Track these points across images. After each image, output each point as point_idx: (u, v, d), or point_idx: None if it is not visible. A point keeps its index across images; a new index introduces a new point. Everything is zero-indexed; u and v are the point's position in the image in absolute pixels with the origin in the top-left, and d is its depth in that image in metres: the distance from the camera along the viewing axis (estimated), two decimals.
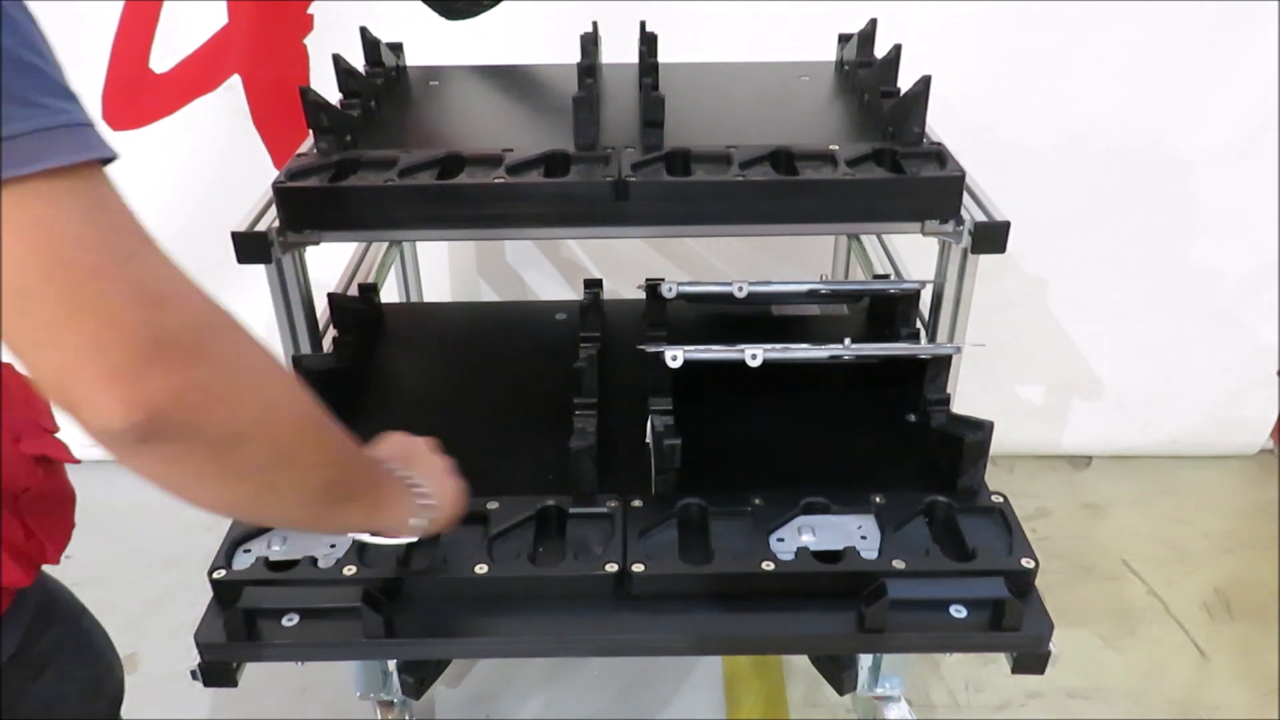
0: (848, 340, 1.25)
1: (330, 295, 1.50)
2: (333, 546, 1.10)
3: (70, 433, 0.67)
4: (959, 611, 1.06)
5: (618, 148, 1.24)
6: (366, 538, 0.88)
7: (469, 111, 1.55)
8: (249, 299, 1.29)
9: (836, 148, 1.23)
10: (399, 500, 0.85)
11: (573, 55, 1.49)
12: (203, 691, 1.06)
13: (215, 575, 1.06)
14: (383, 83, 1.54)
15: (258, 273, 1.22)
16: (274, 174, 1.20)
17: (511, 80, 1.64)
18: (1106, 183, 2.04)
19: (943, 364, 1.29)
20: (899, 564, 1.07)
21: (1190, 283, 2.16)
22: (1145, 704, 1.77)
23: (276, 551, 1.09)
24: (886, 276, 1.59)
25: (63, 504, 0.82)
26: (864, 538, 1.12)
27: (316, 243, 1.25)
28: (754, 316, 1.57)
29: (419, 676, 1.33)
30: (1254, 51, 1.88)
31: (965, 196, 1.22)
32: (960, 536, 1.13)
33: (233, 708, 1.73)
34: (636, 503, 1.17)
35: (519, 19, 1.90)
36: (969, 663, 1.82)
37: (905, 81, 1.33)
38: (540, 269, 2.26)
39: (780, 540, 1.12)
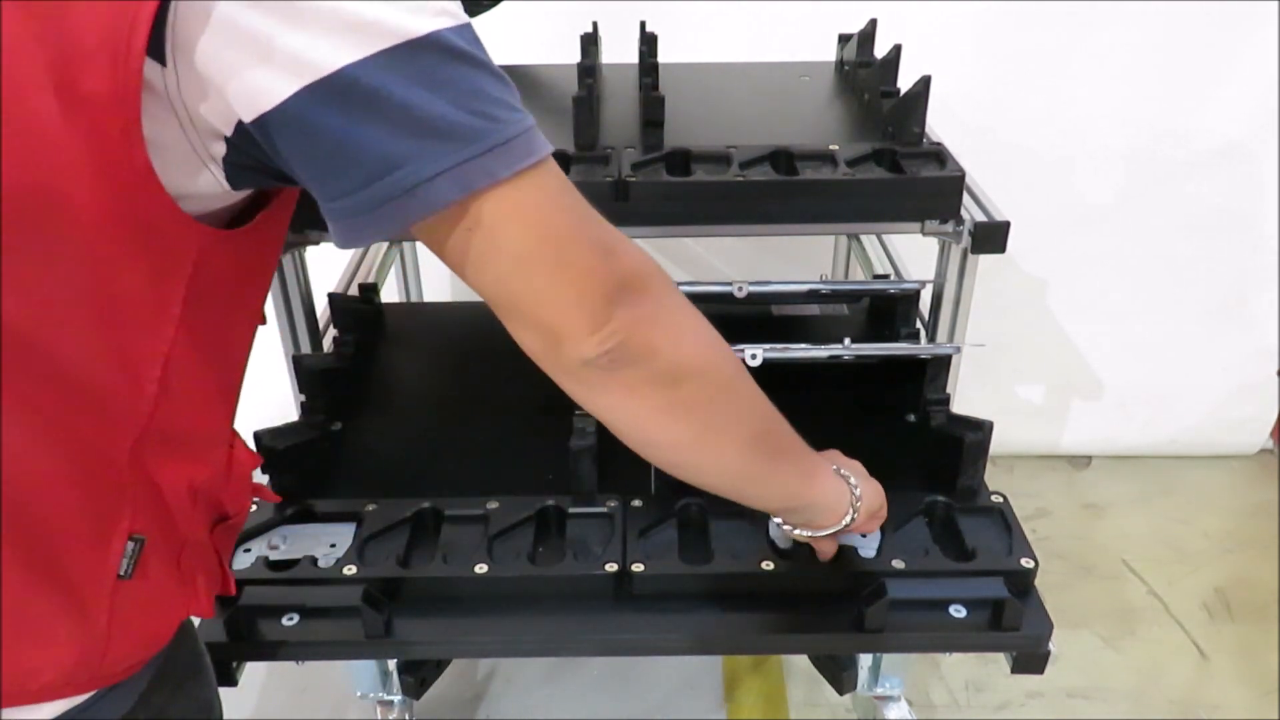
0: (848, 340, 1.25)
1: (330, 295, 1.50)
2: (333, 546, 1.10)
3: None
4: (959, 611, 1.06)
5: (618, 148, 1.24)
6: (796, 532, 0.95)
7: None
8: None
9: (836, 148, 1.23)
10: (832, 483, 0.91)
11: (573, 55, 1.49)
12: None
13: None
14: None
15: None
16: None
17: (511, 80, 1.64)
18: (1106, 183, 2.04)
19: (942, 364, 1.29)
20: (899, 564, 1.07)
21: (1190, 283, 2.16)
22: (1145, 704, 1.77)
23: (276, 551, 1.09)
24: (886, 276, 1.59)
25: (233, 535, 0.85)
26: (863, 535, 1.12)
27: (316, 243, 1.25)
28: (754, 316, 1.57)
29: (419, 676, 1.33)
30: (1254, 51, 1.88)
31: (965, 196, 1.22)
32: (960, 536, 1.13)
33: (233, 708, 1.73)
34: (636, 503, 1.17)
35: (519, 19, 1.90)
36: (969, 663, 1.82)
37: (905, 81, 1.33)
38: None
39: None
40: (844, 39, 1.63)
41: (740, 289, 1.32)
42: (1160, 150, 2.00)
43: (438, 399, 1.45)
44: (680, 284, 1.33)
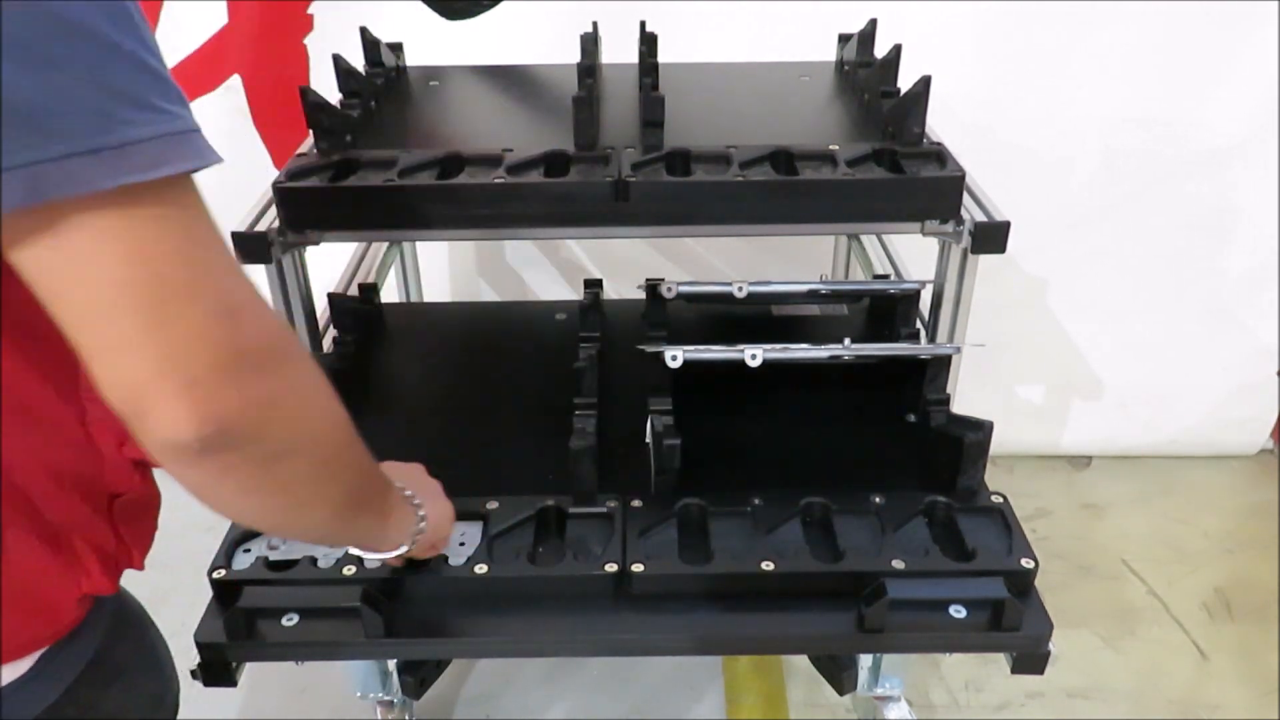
0: (848, 340, 1.25)
1: (330, 295, 1.50)
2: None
3: None
4: (959, 611, 1.06)
5: (618, 148, 1.24)
6: (358, 551, 0.92)
7: (469, 111, 1.55)
8: None
9: (836, 148, 1.23)
10: (402, 514, 0.87)
11: (573, 55, 1.49)
12: (202, 691, 1.05)
13: (215, 575, 1.06)
14: (383, 83, 1.54)
15: (258, 273, 1.22)
16: (274, 174, 1.20)
17: (511, 80, 1.64)
18: (1106, 182, 2.04)
19: (943, 364, 1.29)
20: (899, 564, 1.07)
21: (1190, 283, 2.16)
22: (1145, 704, 1.77)
23: (276, 551, 1.09)
24: (886, 276, 1.59)
25: (149, 508, 0.82)
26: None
27: (316, 243, 1.25)
28: (754, 316, 1.57)
29: (419, 676, 1.33)
30: (1254, 51, 1.88)
31: (965, 196, 1.22)
32: (960, 537, 1.13)
33: (233, 708, 1.74)
34: (636, 503, 1.17)
35: (519, 19, 1.90)
36: (969, 663, 1.82)
37: (905, 81, 1.33)
38: (540, 269, 2.26)
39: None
40: (844, 39, 1.63)
41: (740, 289, 1.32)
42: (1160, 150, 2.00)
43: (438, 399, 1.45)
44: (680, 284, 1.34)
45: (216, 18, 1.92)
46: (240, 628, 1.03)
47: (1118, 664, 1.85)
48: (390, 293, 1.85)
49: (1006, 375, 2.28)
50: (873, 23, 1.56)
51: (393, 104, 1.52)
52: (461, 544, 1.11)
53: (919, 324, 1.43)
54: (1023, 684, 1.78)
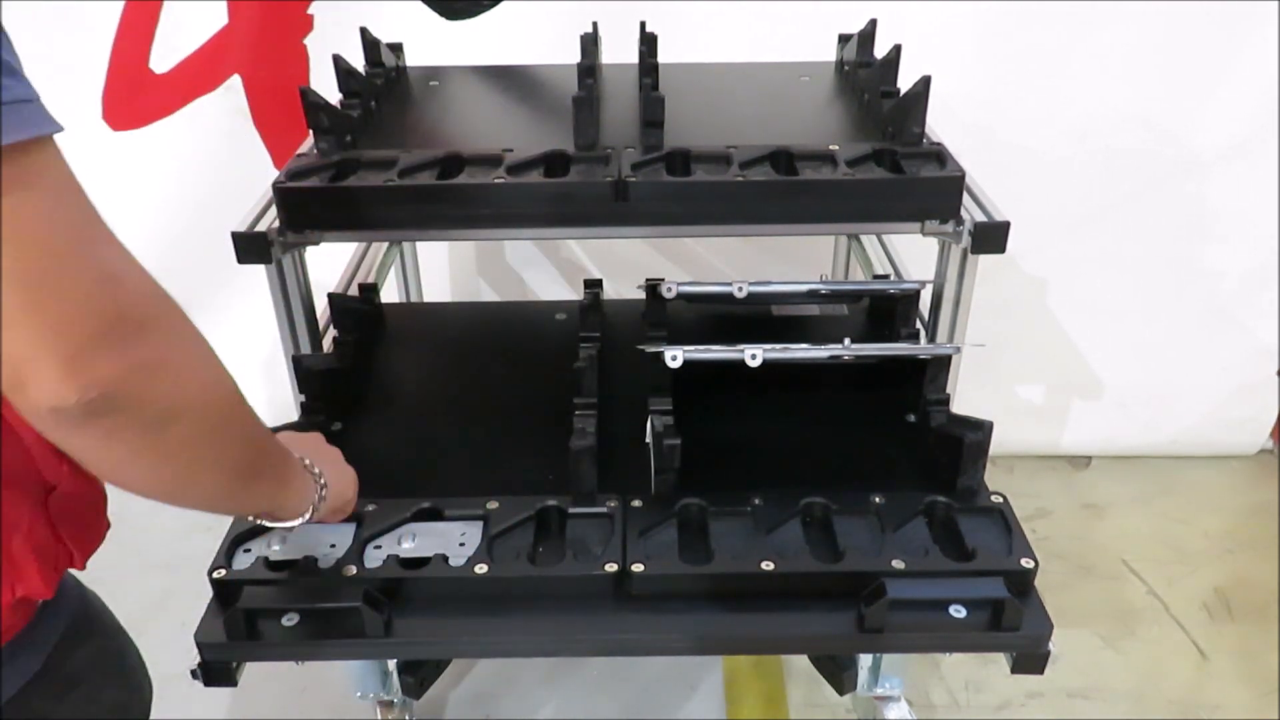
0: (848, 340, 1.25)
1: (330, 295, 1.50)
2: (333, 546, 1.10)
3: None
4: (959, 611, 1.06)
5: (618, 148, 1.24)
6: (262, 521, 0.90)
7: (469, 112, 1.55)
8: (249, 299, 1.29)
9: (836, 148, 1.23)
10: (302, 482, 0.86)
11: (573, 55, 1.49)
12: (203, 691, 1.05)
13: (215, 575, 1.06)
14: (383, 83, 1.54)
15: (258, 273, 1.22)
16: (274, 174, 1.20)
17: (511, 80, 1.64)
18: (1106, 183, 2.04)
19: (942, 364, 1.29)
20: (899, 564, 1.07)
21: (1190, 283, 2.16)
22: (1145, 704, 1.77)
23: (276, 551, 1.09)
24: (886, 276, 1.59)
25: (93, 504, 0.81)
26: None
27: (316, 243, 1.25)
28: (754, 316, 1.57)
29: (419, 676, 1.33)
30: (1254, 51, 1.88)
31: (965, 196, 1.22)
32: (960, 536, 1.13)
33: (233, 708, 1.74)
34: (636, 503, 1.17)
35: (519, 19, 1.90)
36: (969, 663, 1.82)
37: (905, 81, 1.33)
38: (540, 269, 2.26)
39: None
40: (844, 39, 1.63)
41: (740, 289, 1.32)
42: (1160, 150, 2.00)
43: (438, 399, 1.45)
44: (680, 284, 1.34)
45: (216, 18, 1.92)
46: (240, 628, 1.03)
47: (1118, 664, 1.85)
48: (390, 293, 1.85)
49: (1006, 375, 2.28)
50: (873, 23, 1.56)
51: (393, 104, 1.52)
52: (461, 544, 1.11)
53: (919, 324, 1.43)
54: (1023, 684, 1.78)
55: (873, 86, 1.42)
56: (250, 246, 1.18)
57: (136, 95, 1.97)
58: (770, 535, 1.13)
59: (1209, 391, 2.30)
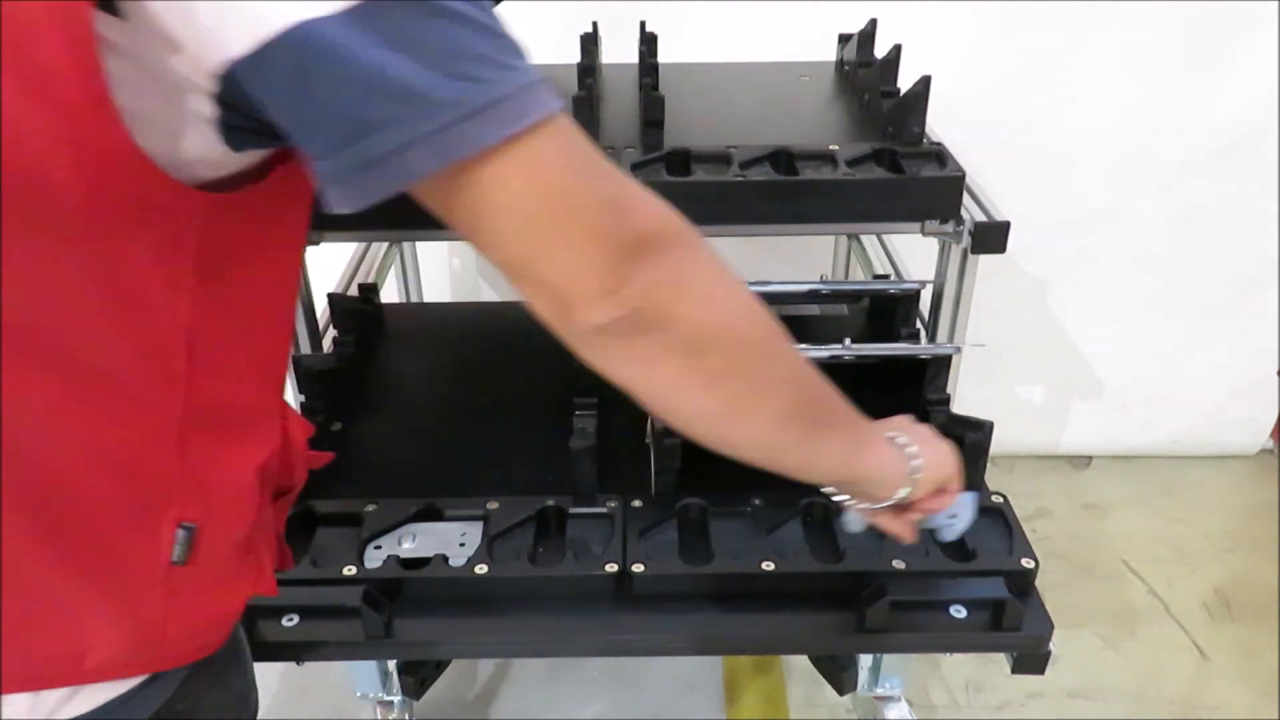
0: (848, 340, 1.26)
1: (330, 295, 1.50)
2: (462, 545, 1.11)
3: None
4: (959, 611, 1.06)
5: (618, 148, 1.24)
6: (851, 502, 0.86)
7: None
8: None
9: (836, 148, 1.23)
10: (886, 450, 0.82)
11: (573, 55, 1.49)
12: None
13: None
14: None
15: None
16: None
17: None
18: (1107, 182, 2.04)
19: (943, 364, 1.29)
20: (899, 564, 1.07)
21: (1190, 283, 2.16)
22: (1145, 704, 1.77)
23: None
24: (886, 276, 1.59)
25: (287, 507, 0.84)
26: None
27: (316, 243, 1.25)
28: None
29: (419, 676, 1.33)
30: (1254, 51, 1.88)
31: (965, 196, 1.22)
32: (960, 537, 1.13)
33: None
34: (636, 503, 1.17)
35: (519, 19, 1.90)
36: (969, 663, 1.82)
37: (905, 81, 1.33)
38: None
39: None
40: (844, 39, 1.63)
41: None
42: (1160, 150, 2.00)
43: (438, 399, 1.45)
44: None
45: None
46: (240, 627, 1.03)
47: (1118, 664, 1.85)
48: (390, 293, 1.85)
49: (1006, 375, 2.28)
50: (873, 23, 1.56)
51: None
52: (461, 544, 1.11)
53: (919, 324, 1.43)
54: (1023, 684, 1.78)
55: (873, 86, 1.42)
56: None
57: None
58: (770, 535, 1.13)
59: (1209, 391, 2.30)
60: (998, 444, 1.19)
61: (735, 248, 2.18)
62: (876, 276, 1.60)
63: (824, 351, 1.25)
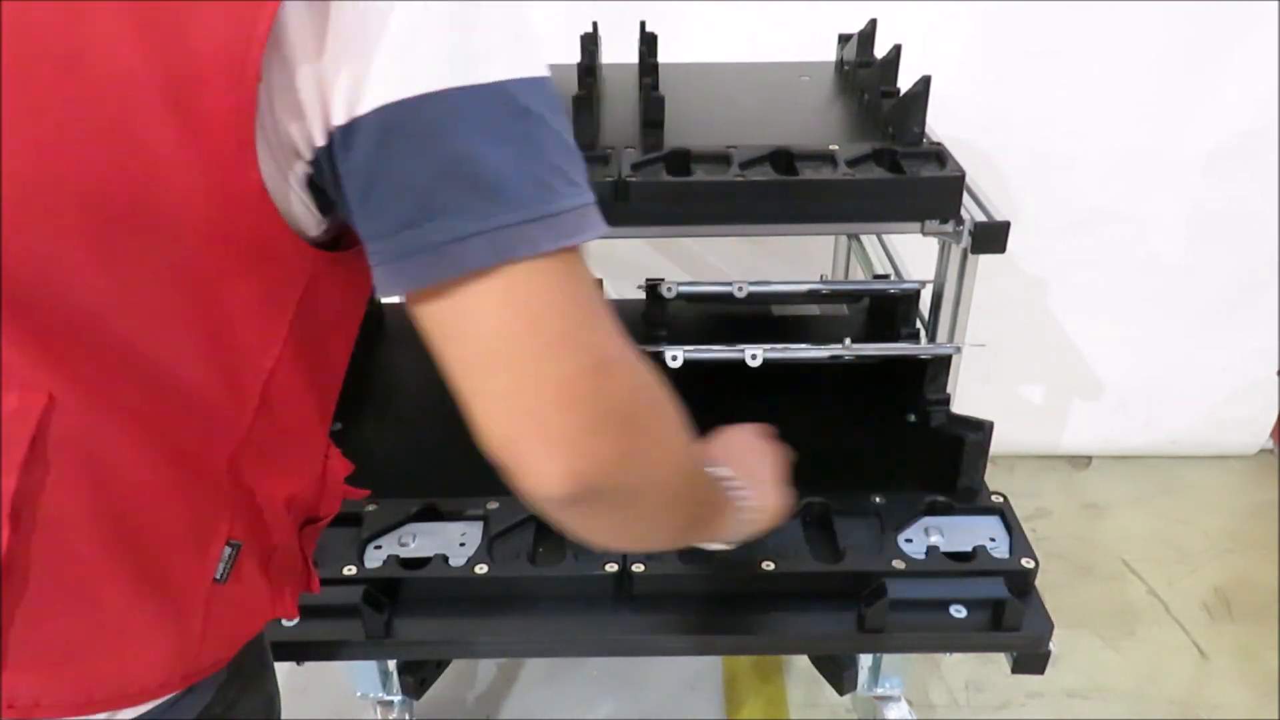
0: (848, 340, 1.26)
1: None
2: (462, 545, 1.11)
3: None
4: (959, 611, 1.06)
5: (618, 148, 1.24)
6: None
7: None
8: None
9: (836, 148, 1.22)
10: (729, 516, 0.83)
11: (573, 55, 1.49)
12: None
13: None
14: None
15: None
16: None
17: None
18: (1106, 182, 2.04)
19: (942, 364, 1.29)
20: (899, 564, 1.07)
21: (1190, 283, 2.16)
22: (1145, 704, 1.77)
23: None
24: (886, 276, 1.59)
25: (317, 534, 0.85)
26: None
27: None
28: (754, 316, 1.57)
29: (419, 676, 1.33)
30: (1254, 51, 1.88)
31: (965, 196, 1.22)
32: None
33: None
34: None
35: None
36: (969, 663, 1.82)
37: (905, 81, 1.33)
38: None
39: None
40: (844, 39, 1.63)
41: (740, 289, 1.32)
42: (1160, 150, 2.00)
43: (438, 399, 1.44)
44: (680, 284, 1.34)
45: None
46: None
47: (1118, 664, 1.85)
48: None
49: (1006, 375, 2.28)
50: (873, 23, 1.56)
51: None
52: (461, 544, 1.11)
53: (919, 324, 1.43)
54: (1023, 684, 1.78)
55: (873, 86, 1.42)
56: None
57: None
58: (770, 535, 1.12)
59: (1209, 391, 2.30)
60: (998, 444, 1.19)
61: (735, 248, 2.19)
62: (876, 276, 1.60)
63: (824, 351, 1.25)
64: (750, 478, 0.86)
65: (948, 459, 1.20)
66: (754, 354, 1.21)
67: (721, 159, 1.21)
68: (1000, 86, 1.93)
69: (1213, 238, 2.09)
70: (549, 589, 1.08)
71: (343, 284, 0.65)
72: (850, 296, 1.61)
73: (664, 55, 1.53)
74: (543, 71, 0.55)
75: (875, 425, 1.34)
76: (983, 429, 1.19)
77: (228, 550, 0.68)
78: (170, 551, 0.65)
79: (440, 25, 0.50)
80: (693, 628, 1.07)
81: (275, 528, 0.73)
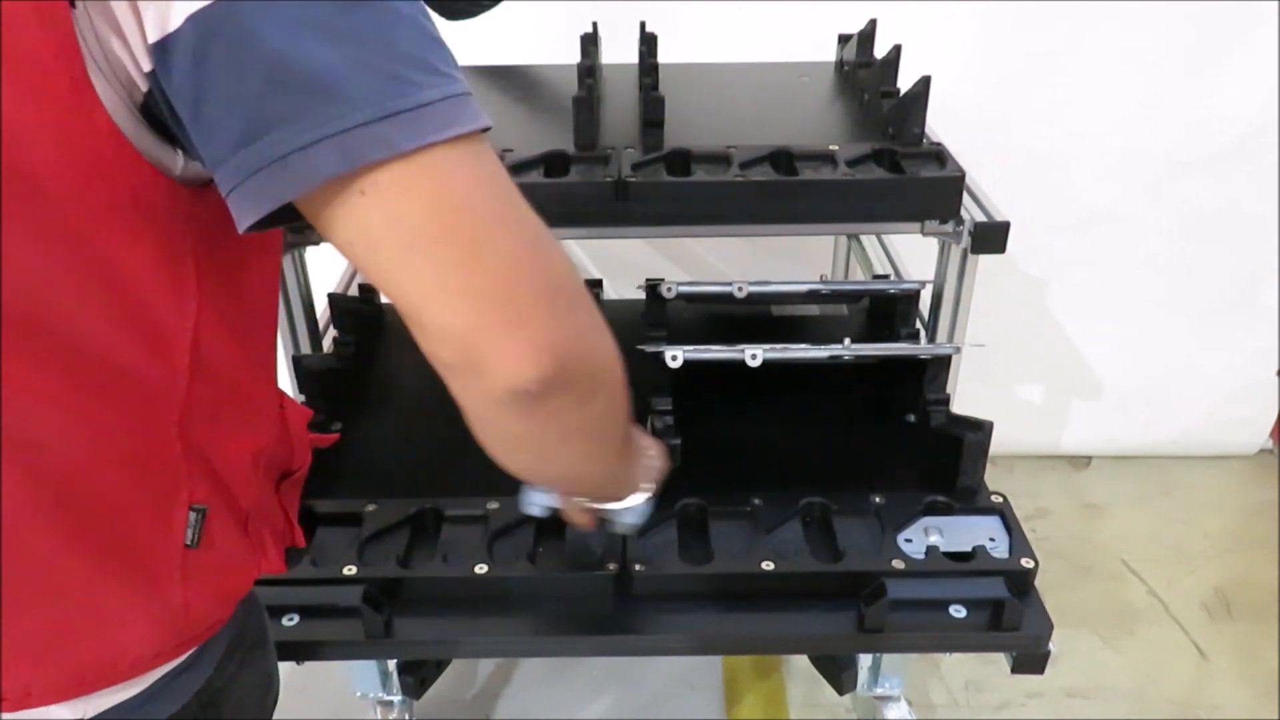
0: (848, 340, 1.25)
1: (330, 295, 1.50)
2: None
3: None
4: (959, 611, 1.06)
5: (618, 148, 1.24)
6: (610, 507, 0.86)
7: None
8: None
9: (836, 148, 1.23)
10: (639, 461, 0.83)
11: (573, 55, 1.49)
12: None
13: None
14: None
15: None
16: None
17: (511, 80, 1.64)
18: (1106, 182, 2.04)
19: (942, 364, 1.29)
20: (899, 564, 1.07)
21: (1190, 283, 2.16)
22: (1145, 704, 1.77)
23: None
24: (886, 276, 1.59)
25: (299, 485, 0.84)
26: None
27: (317, 243, 1.25)
28: (754, 316, 1.57)
29: (419, 676, 1.33)
30: (1254, 51, 1.88)
31: (965, 196, 1.22)
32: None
33: None
34: None
35: (519, 19, 1.90)
36: (969, 663, 1.82)
37: (905, 81, 1.33)
38: None
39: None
40: (844, 39, 1.63)
41: (740, 289, 1.32)
42: (1160, 150, 2.00)
43: (438, 399, 1.44)
44: (680, 284, 1.34)
45: None
46: None
47: (1118, 664, 1.85)
48: None
49: (1006, 375, 2.28)
50: (873, 23, 1.56)
51: None
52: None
53: (919, 324, 1.43)
54: (1023, 684, 1.78)
55: (873, 86, 1.42)
56: None
57: None
58: (770, 535, 1.13)
59: (1209, 391, 2.30)
60: (997, 444, 1.19)
61: (735, 248, 2.19)
62: (876, 276, 1.60)
63: (824, 351, 1.25)
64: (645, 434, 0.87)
65: (947, 459, 1.20)
66: (754, 354, 1.21)
67: (721, 159, 1.21)
68: (1000, 87, 1.93)
69: (1212, 238, 2.09)
70: (549, 589, 1.08)
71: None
72: (850, 297, 1.61)
73: (664, 55, 1.53)
74: None
75: (875, 425, 1.34)
76: (982, 429, 1.19)
77: (193, 515, 0.67)
78: (128, 526, 0.64)
79: None
80: (693, 628, 1.07)
81: (245, 486, 0.72)
